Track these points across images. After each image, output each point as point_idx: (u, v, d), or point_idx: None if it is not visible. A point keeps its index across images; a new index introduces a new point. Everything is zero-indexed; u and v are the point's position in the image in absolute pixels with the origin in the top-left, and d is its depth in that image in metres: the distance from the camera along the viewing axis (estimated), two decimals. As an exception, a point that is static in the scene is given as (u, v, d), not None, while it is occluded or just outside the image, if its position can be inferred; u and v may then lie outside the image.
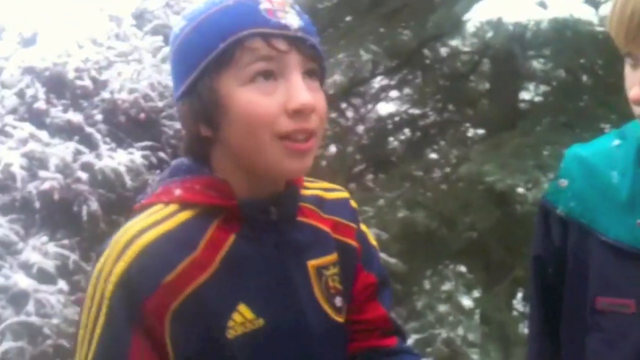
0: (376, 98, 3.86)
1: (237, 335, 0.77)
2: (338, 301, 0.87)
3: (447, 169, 3.57)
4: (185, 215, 0.78)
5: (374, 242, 0.97)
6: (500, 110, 3.42)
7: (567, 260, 0.93)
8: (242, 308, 0.78)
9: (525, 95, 3.88)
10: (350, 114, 3.71)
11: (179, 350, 0.75)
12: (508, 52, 2.73)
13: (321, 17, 3.06)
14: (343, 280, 0.88)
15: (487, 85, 3.78)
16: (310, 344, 0.84)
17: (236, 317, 0.78)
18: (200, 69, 0.77)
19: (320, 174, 3.48)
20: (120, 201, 2.89)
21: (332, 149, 3.57)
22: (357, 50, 3.05)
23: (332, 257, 0.88)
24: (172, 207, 0.78)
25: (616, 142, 0.93)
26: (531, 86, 3.92)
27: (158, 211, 0.78)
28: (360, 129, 3.84)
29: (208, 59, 0.77)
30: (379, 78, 3.72)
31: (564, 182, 0.94)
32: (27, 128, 2.70)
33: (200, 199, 0.79)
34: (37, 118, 2.79)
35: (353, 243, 0.91)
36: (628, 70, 0.82)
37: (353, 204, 0.94)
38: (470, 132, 4.03)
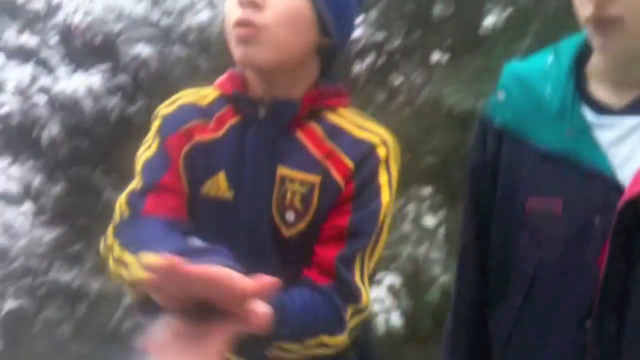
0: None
1: (209, 195, 0.94)
2: (289, 216, 0.91)
3: (411, 95, 3.59)
4: (213, 95, 0.96)
5: (382, 200, 0.90)
6: (464, 34, 3.43)
7: (500, 169, 0.98)
8: (221, 176, 0.94)
9: (489, 19, 3.88)
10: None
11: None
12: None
13: None
14: (306, 202, 0.91)
15: (452, 10, 3.77)
16: (258, 238, 0.93)
17: (214, 179, 0.94)
18: None
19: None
20: (81, 125, 2.89)
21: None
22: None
23: (307, 176, 0.91)
24: (211, 90, 0.97)
25: (550, 57, 0.98)
26: (496, 9, 3.92)
27: (203, 89, 0.98)
28: (324, 53, 3.82)
29: None
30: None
31: (501, 95, 1.00)
32: (-17, 52, 2.66)
33: (219, 87, 0.96)
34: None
35: (338, 179, 0.91)
36: None
37: (379, 152, 0.91)
38: (435, 57, 4.04)
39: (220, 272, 0.67)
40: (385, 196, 0.91)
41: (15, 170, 2.60)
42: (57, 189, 2.72)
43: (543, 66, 0.97)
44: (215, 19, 3.56)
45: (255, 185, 0.93)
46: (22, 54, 2.77)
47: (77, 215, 2.84)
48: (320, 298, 0.88)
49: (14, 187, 2.56)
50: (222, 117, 0.95)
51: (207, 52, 3.55)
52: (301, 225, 0.91)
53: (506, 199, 0.96)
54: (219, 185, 0.94)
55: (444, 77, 3.00)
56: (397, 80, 4.00)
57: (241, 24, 0.88)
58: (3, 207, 2.51)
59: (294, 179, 0.91)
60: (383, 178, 0.91)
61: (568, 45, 0.97)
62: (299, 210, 0.91)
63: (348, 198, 0.90)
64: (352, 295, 0.88)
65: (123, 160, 3.39)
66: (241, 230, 0.93)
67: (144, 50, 3.20)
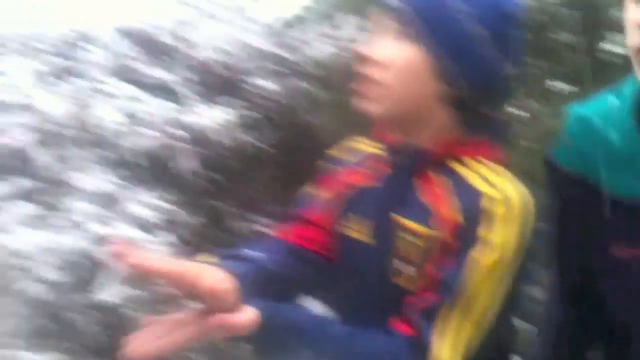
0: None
1: (346, 233, 1.02)
2: (400, 264, 0.93)
3: (530, 126, 3.51)
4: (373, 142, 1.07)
5: (484, 260, 0.86)
6: (586, 63, 3.33)
7: (576, 216, 0.98)
8: (359, 218, 1.01)
9: (612, 46, 3.75)
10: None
11: None
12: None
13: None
14: (415, 253, 0.92)
15: (568, 36, 3.67)
16: (371, 281, 0.98)
17: (354, 220, 1.01)
18: None
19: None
20: (216, 158, 3.00)
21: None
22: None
23: (419, 227, 0.92)
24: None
25: (613, 99, 0.97)
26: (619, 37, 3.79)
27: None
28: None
29: None
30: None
31: (567, 140, 1.00)
32: (127, 88, 2.81)
33: (375, 134, 1.04)
34: (135, 78, 2.90)
35: (445, 232, 0.89)
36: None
37: (495, 209, 0.88)
38: (555, 86, 3.94)
39: (178, 267, 0.82)
40: (491, 256, 0.86)
41: (155, 201, 2.71)
42: (192, 220, 2.81)
43: (606, 109, 0.96)
44: (338, 54, 3.63)
45: (377, 230, 0.98)
46: (163, 91, 2.91)
47: (209, 245, 2.93)
48: (391, 344, 0.89)
49: (153, 218, 2.67)
50: (375, 164, 1.01)
51: (330, 86, 3.62)
52: (408, 275, 0.93)
53: (589, 244, 0.95)
54: (356, 225, 1.01)
55: (565, 107, 2.91)
56: (514, 109, 3.92)
57: (360, 78, 0.94)
58: (143, 236, 2.61)
59: (408, 228, 0.93)
60: (493, 237, 0.86)
61: (629, 86, 0.95)
62: (409, 260, 0.93)
63: (450, 252, 0.89)
64: (422, 349, 0.87)
65: (253, 192, 3.48)
66: (359, 270, 0.99)
67: (271, 85, 3.30)
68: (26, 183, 2.53)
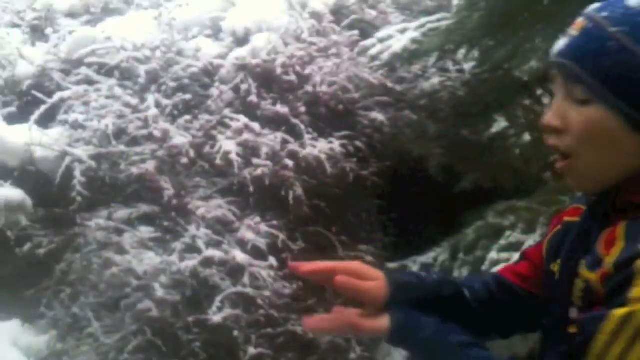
0: (574, 83, 3.70)
1: (552, 269, 1.02)
2: (572, 312, 0.92)
3: None
4: None
5: (619, 314, 0.80)
6: None
7: None
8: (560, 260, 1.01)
9: None
10: (546, 100, 3.60)
11: None
12: None
13: (517, 1, 3.02)
14: (583, 300, 0.90)
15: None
16: (556, 326, 0.98)
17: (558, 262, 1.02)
18: None
19: (513, 162, 3.38)
20: (320, 187, 3.12)
21: (526, 136, 3.50)
22: (555, 35, 2.97)
23: (588, 273, 0.89)
24: None
25: None
26: None
27: None
28: (556, 115, 3.72)
29: None
30: (576, 62, 3.58)
31: None
32: (242, 120, 3.00)
33: None
34: (249, 111, 3.08)
35: (599, 281, 0.86)
36: None
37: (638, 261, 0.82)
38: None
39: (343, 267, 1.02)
40: (626, 309, 0.80)
41: (263, 226, 2.87)
42: (297, 245, 2.94)
43: None
44: (444, 84, 3.65)
45: (562, 274, 0.98)
46: (274, 122, 3.07)
47: (313, 271, 3.04)
48: None
49: (261, 242, 2.82)
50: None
51: (435, 116, 3.64)
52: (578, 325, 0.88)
53: None
54: (558, 264, 1.01)
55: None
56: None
57: (556, 153, 0.93)
58: (252, 260, 2.76)
59: (580, 275, 0.91)
60: (634, 290, 0.80)
61: None
62: (580, 308, 0.90)
63: (598, 302, 0.86)
64: None
65: (355, 220, 3.54)
66: (552, 312, 1.00)
67: (378, 115, 3.38)
68: (148, 208, 2.76)
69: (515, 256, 2.61)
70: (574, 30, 0.90)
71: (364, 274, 1.02)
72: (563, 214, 1.08)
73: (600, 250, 0.89)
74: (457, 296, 1.08)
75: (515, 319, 1.13)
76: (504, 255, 2.63)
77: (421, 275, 1.09)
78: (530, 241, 2.61)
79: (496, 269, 2.62)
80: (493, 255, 2.66)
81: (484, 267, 2.65)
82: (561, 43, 0.90)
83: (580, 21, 0.90)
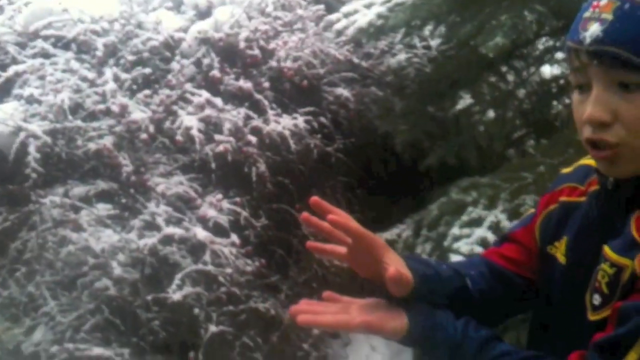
0: (540, 60, 3.70)
1: (551, 253, 1.00)
2: (596, 299, 0.88)
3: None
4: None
5: None
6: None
7: None
8: (565, 240, 0.98)
9: None
10: (511, 77, 3.59)
11: None
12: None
13: (483, -22, 2.99)
14: (611, 287, 0.86)
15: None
16: (569, 312, 0.94)
17: (560, 242, 0.99)
18: None
19: (477, 139, 3.37)
20: (285, 163, 3.08)
21: (490, 113, 3.50)
22: (520, 11, 2.95)
23: (619, 259, 0.86)
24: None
25: None
26: None
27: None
28: (522, 92, 3.71)
29: None
30: (543, 39, 3.56)
31: None
32: (204, 95, 2.94)
33: None
34: (212, 86, 3.02)
35: (638, 266, 0.84)
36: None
37: None
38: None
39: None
40: None
41: (226, 203, 2.82)
42: (260, 222, 2.91)
43: None
44: (411, 60, 3.63)
45: (580, 259, 0.94)
46: (237, 98, 3.02)
47: (276, 248, 3.02)
48: None
49: (223, 220, 2.78)
50: (590, 184, 0.98)
51: (402, 93, 3.62)
52: (606, 312, 0.86)
53: None
54: (560, 248, 0.99)
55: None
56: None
57: (594, 146, 0.87)
58: (213, 237, 2.72)
59: (608, 259, 0.87)
60: None
61: None
62: (605, 294, 0.87)
63: (637, 288, 0.83)
64: None
65: (320, 197, 3.52)
66: (560, 296, 0.96)
67: (344, 92, 3.34)
68: (106, 185, 2.70)
69: (477, 231, 2.64)
70: (604, 13, 0.83)
71: (384, 252, 0.94)
72: (554, 193, 1.04)
73: (633, 233, 0.85)
74: (463, 288, 1.05)
75: (509, 306, 1.11)
76: (466, 230, 2.62)
77: (432, 264, 1.03)
78: (491, 217, 2.61)
79: (457, 244, 2.63)
80: (455, 231, 2.65)
81: (445, 243, 2.64)
82: (594, 30, 0.83)
83: (605, 3, 0.84)
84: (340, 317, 0.91)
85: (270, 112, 3.00)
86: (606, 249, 0.87)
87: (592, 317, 0.88)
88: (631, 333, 0.80)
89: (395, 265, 0.91)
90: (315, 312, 0.93)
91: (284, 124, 2.98)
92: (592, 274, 0.89)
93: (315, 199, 0.92)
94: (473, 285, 1.05)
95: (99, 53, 2.92)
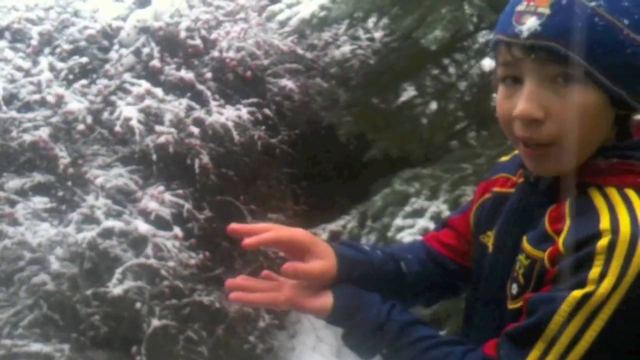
0: (480, 53, 3.78)
1: (483, 240, 1.02)
2: (514, 288, 0.89)
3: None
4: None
5: (576, 293, 0.79)
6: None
7: None
8: (495, 230, 1.00)
9: None
10: (452, 70, 3.66)
11: None
12: None
13: (423, -29, 3.02)
14: (526, 278, 0.87)
15: None
16: (494, 301, 0.96)
17: (492, 231, 1.00)
18: None
19: (420, 130, 3.43)
20: (228, 155, 3.05)
21: (433, 105, 3.55)
22: (460, 5, 3.00)
23: (534, 251, 0.87)
24: None
25: None
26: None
27: None
28: (463, 85, 3.79)
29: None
30: (483, 32, 3.64)
31: None
32: (144, 85, 2.87)
33: None
34: (152, 76, 2.96)
35: (547, 259, 0.84)
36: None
37: (599, 241, 0.79)
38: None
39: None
40: (584, 290, 0.78)
41: (168, 196, 2.78)
42: (204, 215, 2.87)
43: None
44: (355, 52, 3.64)
45: (500, 248, 0.96)
46: (179, 88, 2.96)
47: (220, 240, 2.99)
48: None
49: (165, 212, 2.73)
50: (519, 175, 0.99)
51: (346, 84, 3.63)
52: (521, 302, 0.87)
53: None
54: (492, 237, 1.00)
55: None
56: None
57: (526, 143, 0.86)
58: (155, 230, 2.68)
59: (524, 251, 0.88)
60: (593, 271, 0.78)
61: None
62: (521, 285, 0.88)
63: (548, 281, 0.83)
64: None
65: (265, 188, 3.50)
66: (487, 284, 0.98)
67: (288, 83, 3.33)
68: (42, 177, 2.61)
69: (420, 222, 2.68)
70: (540, 7, 0.82)
71: (310, 246, 0.96)
72: (489, 182, 1.06)
73: (546, 226, 0.86)
74: (396, 271, 1.07)
75: (441, 289, 1.14)
76: (409, 221, 2.66)
77: (366, 250, 1.05)
78: (433, 207, 2.66)
79: (401, 235, 2.67)
80: (398, 221, 2.69)
81: (389, 234, 2.68)
82: (531, 23, 0.81)
83: None
84: (269, 295, 0.95)
85: (213, 103, 2.96)
86: (524, 241, 0.89)
87: (511, 305, 0.89)
88: (538, 323, 0.81)
89: (321, 256, 0.96)
90: (247, 288, 0.96)
91: (227, 115, 2.95)
92: (511, 263, 0.90)
93: (230, 227, 0.96)
94: (408, 269, 1.07)
95: (34, 42, 2.83)
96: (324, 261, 0.96)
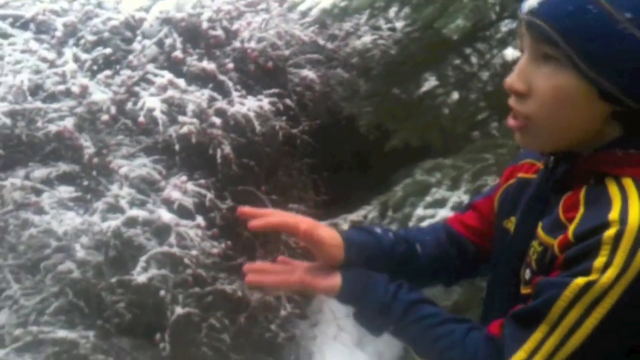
0: (503, 43, 3.74)
1: (506, 226, 1.03)
2: (527, 273, 0.91)
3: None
4: None
5: (579, 282, 0.80)
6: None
7: None
8: (514, 218, 1.01)
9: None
10: (474, 59, 3.63)
11: None
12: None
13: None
14: (539, 264, 0.89)
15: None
16: (510, 286, 0.98)
17: (514, 218, 1.02)
18: None
19: (441, 121, 3.41)
20: (249, 145, 3.07)
21: (455, 95, 3.53)
22: (483, -7, 2.98)
23: (547, 238, 0.88)
24: None
25: None
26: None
27: None
28: (485, 75, 3.76)
29: None
30: (506, 21, 3.61)
31: None
32: (166, 75, 2.89)
33: None
34: (174, 66, 2.98)
35: (557, 247, 0.85)
36: None
37: (606, 231, 0.79)
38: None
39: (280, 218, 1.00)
40: (588, 278, 0.79)
41: (190, 185, 2.81)
42: (226, 205, 2.90)
43: None
44: (376, 42, 3.63)
45: (518, 233, 0.98)
46: (201, 79, 2.99)
47: (242, 230, 3.02)
48: (469, 339, 0.91)
49: (188, 202, 2.76)
50: (543, 162, 1.00)
51: (367, 74, 3.63)
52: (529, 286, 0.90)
53: None
54: (512, 221, 1.02)
55: None
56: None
57: (514, 115, 0.90)
58: (178, 219, 2.71)
59: (538, 237, 0.90)
60: (598, 260, 0.79)
61: None
62: (534, 270, 0.90)
63: (556, 267, 0.85)
64: (498, 352, 0.87)
65: (286, 179, 3.52)
66: (505, 270, 1.00)
67: (309, 73, 3.34)
68: (67, 167, 2.65)
69: (441, 212, 2.67)
70: None
71: (317, 231, 1.00)
72: (515, 167, 1.07)
73: (560, 214, 0.88)
74: (409, 253, 1.09)
75: (461, 270, 1.16)
76: (430, 211, 2.66)
77: (377, 232, 1.08)
78: (454, 197, 2.65)
79: (424, 224, 2.67)
80: (419, 211, 2.69)
81: (411, 224, 2.68)
82: (532, 1, 0.84)
83: None
84: (282, 277, 1.00)
85: (235, 94, 2.98)
86: (539, 227, 0.90)
87: (524, 290, 0.91)
88: (542, 306, 0.82)
89: (329, 242, 1.00)
90: (262, 270, 1.02)
91: (248, 105, 2.97)
92: (526, 251, 0.93)
93: (240, 210, 1.04)
94: (423, 250, 1.10)
95: (59, 33, 2.86)
96: (334, 241, 1.00)
